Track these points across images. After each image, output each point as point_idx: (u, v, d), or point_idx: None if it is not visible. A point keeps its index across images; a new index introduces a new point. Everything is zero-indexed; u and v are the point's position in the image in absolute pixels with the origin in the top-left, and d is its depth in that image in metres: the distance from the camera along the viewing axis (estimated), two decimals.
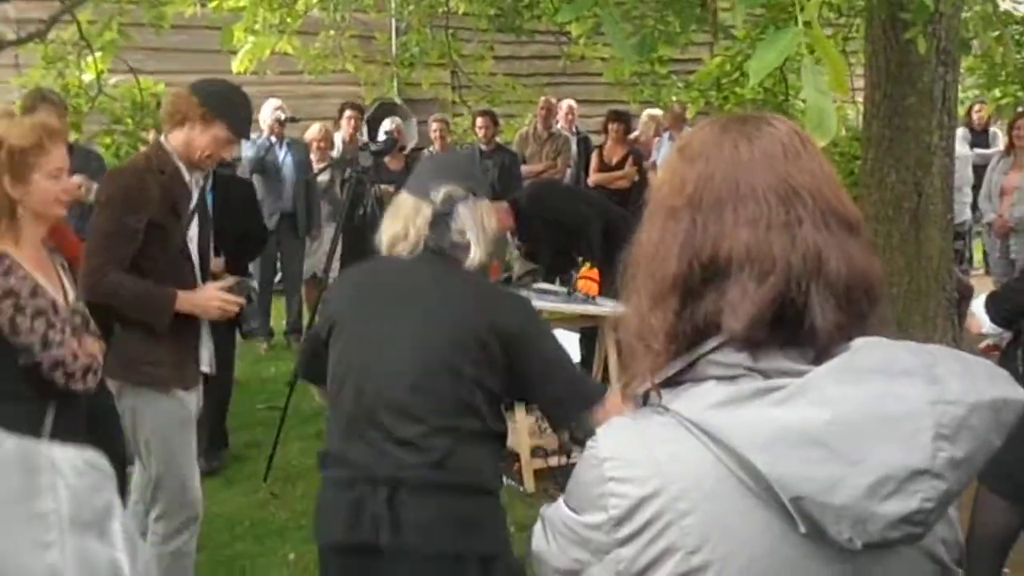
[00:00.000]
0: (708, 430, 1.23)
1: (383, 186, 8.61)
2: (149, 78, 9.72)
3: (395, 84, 12.34)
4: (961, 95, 8.69)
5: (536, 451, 5.80)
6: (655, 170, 11.12)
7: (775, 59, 1.94)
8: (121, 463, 4.04)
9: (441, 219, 2.78)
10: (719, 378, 1.26)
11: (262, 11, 8.25)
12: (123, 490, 4.69)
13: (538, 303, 6.00)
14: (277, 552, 5.03)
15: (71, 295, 3.32)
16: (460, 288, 2.79)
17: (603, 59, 10.61)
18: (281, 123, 9.03)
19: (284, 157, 8.99)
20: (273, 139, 9.01)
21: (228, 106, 3.87)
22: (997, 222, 8.88)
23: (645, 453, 1.28)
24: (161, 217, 3.72)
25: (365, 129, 10.81)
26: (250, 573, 4.66)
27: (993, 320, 3.77)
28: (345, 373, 2.82)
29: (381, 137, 9.00)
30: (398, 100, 12.56)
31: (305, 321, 9.05)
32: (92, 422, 3.43)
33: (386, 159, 8.84)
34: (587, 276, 6.25)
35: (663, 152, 11.69)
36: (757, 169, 1.31)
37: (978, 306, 3.86)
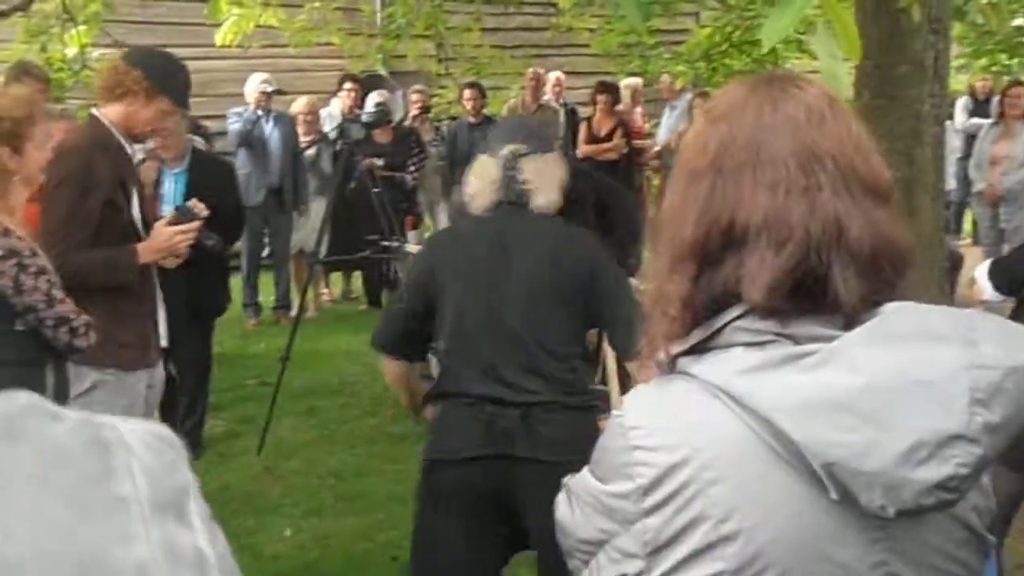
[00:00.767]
0: (737, 396, 1.21)
1: (373, 159, 8.56)
2: None
3: (380, 56, 12.24)
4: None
5: None
6: (642, 139, 11.07)
7: (789, 23, 1.91)
8: None
9: (509, 174, 3.13)
10: (747, 344, 1.24)
11: None
12: None
13: None
14: (273, 527, 5.00)
15: None
16: (539, 230, 3.13)
17: (590, 30, 10.56)
18: (267, 96, 8.95)
19: (271, 131, 8.92)
20: (259, 112, 8.93)
21: (171, 79, 3.82)
22: (987, 191, 8.88)
23: (672, 421, 1.26)
24: (112, 195, 3.67)
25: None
26: (247, 549, 4.63)
27: (997, 288, 3.76)
28: (461, 316, 3.07)
29: (371, 109, 8.93)
30: (384, 72, 12.46)
31: (293, 296, 9.02)
32: None
33: (375, 132, 8.79)
34: None
35: (664, 122, 11.65)
36: (779, 133, 1.29)
37: (981, 273, 3.85)
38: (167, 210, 4.92)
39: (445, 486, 3.06)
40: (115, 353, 3.60)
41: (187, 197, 5.12)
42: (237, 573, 0.93)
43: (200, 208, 3.98)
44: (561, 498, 1.44)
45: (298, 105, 9.36)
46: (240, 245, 9.37)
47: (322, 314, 9.49)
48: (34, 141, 3.20)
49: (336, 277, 10.35)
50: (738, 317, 1.25)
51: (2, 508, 0.76)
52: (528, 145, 3.17)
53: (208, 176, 5.94)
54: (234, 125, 8.92)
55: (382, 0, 11.92)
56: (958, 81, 10.83)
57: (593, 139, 10.59)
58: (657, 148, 11.26)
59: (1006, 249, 8.67)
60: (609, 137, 10.55)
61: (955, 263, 7.59)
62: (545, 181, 3.16)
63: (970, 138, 10.49)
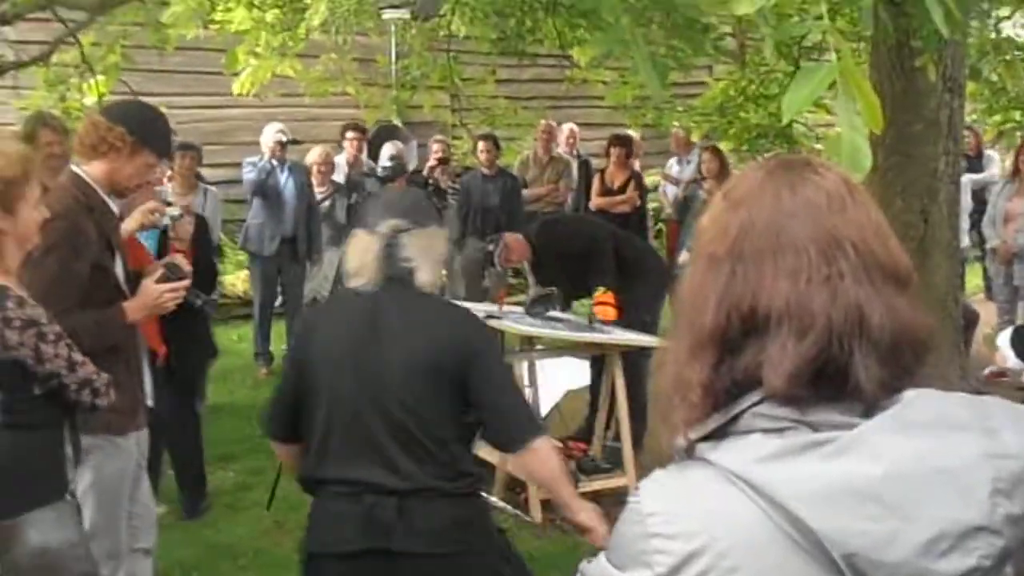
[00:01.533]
0: (755, 484, 1.20)
1: None
2: (150, 100, 9.68)
3: (395, 107, 12.33)
4: None
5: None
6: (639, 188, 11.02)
7: (810, 95, 1.91)
8: None
9: (389, 251, 3.03)
10: (766, 430, 1.23)
11: (264, 34, 8.25)
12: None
13: (547, 331, 6.00)
14: None
15: None
16: (420, 311, 3.05)
17: (604, 83, 10.62)
18: (282, 145, 9.00)
19: (285, 181, 8.95)
20: (274, 162, 8.97)
21: (153, 132, 3.78)
22: (1001, 248, 8.85)
23: (690, 508, 1.24)
24: (100, 257, 3.62)
25: (366, 150, 10.79)
26: None
27: (1020, 355, 3.75)
28: (332, 401, 2.98)
29: (386, 162, 8.98)
30: (398, 123, 12.55)
31: None
32: None
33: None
34: (603, 301, 6.21)
35: (677, 173, 11.66)
36: (799, 219, 1.28)
37: (1004, 340, 3.85)
38: None
39: None
40: (106, 419, 3.50)
41: (161, 249, 5.11)
42: None
43: (186, 265, 3.93)
44: None
45: (313, 155, 9.41)
46: (252, 294, 9.41)
47: None
48: (28, 201, 3.10)
49: None
50: (757, 403, 1.24)
51: None
52: (408, 220, 3.08)
53: None
54: (249, 175, 8.96)
55: (397, 51, 12.01)
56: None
57: (606, 191, 10.61)
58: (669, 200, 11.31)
59: (1022, 307, 8.65)
60: (623, 189, 10.58)
61: (970, 320, 7.56)
62: (427, 257, 3.08)
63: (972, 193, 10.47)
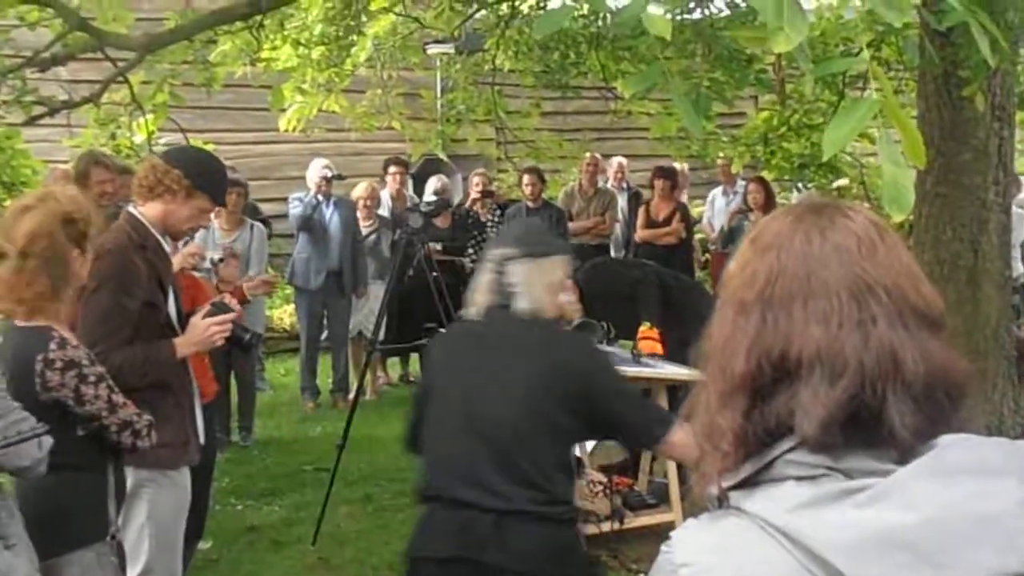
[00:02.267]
0: (789, 533, 1.18)
1: (431, 244, 8.62)
2: (198, 137, 9.80)
3: (440, 141, 12.39)
4: None
5: (588, 516, 5.70)
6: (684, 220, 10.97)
7: (851, 132, 1.88)
8: None
9: (496, 276, 3.21)
10: (799, 478, 1.21)
11: (310, 71, 8.31)
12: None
13: None
14: None
15: None
16: (522, 337, 3.17)
17: (649, 114, 10.58)
18: (328, 181, 9.07)
19: (331, 215, 9.02)
20: (320, 197, 9.04)
21: (210, 178, 3.85)
22: None
23: (724, 558, 1.22)
24: (151, 295, 3.68)
25: (410, 184, 10.84)
26: None
27: None
28: (442, 419, 3.17)
29: (430, 197, 9.03)
30: (443, 156, 12.60)
31: (351, 379, 9.04)
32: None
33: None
34: (647, 336, 6.20)
35: (717, 207, 11.63)
36: (829, 264, 1.27)
37: None
38: None
39: None
40: (157, 453, 3.54)
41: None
42: None
43: (234, 303, 3.98)
44: None
45: (358, 190, 9.47)
46: (299, 328, 9.46)
47: (380, 397, 9.48)
48: (92, 241, 3.22)
49: (394, 361, 10.37)
50: (790, 450, 1.22)
51: None
52: (518, 249, 3.23)
53: None
54: (295, 210, 9.05)
55: (442, 86, 12.07)
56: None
57: (651, 223, 10.58)
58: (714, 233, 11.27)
59: None
60: (668, 221, 10.55)
61: (1023, 352, 7.41)
62: (533, 285, 3.19)
63: None
